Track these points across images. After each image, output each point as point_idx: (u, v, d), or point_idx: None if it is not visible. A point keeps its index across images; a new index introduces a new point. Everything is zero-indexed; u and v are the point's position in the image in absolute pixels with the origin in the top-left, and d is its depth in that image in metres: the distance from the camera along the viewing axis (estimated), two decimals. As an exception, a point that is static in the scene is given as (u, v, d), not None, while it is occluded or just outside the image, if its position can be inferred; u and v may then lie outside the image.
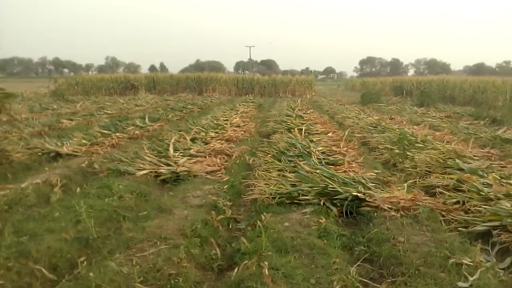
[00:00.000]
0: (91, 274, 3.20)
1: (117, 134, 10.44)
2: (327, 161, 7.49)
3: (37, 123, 12.30)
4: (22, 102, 20.39)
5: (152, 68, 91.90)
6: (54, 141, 8.87)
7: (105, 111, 17.19)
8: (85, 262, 3.66)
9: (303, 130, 10.67)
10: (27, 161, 7.53)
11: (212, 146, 8.68)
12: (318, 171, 6.46)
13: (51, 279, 3.48)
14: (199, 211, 4.94)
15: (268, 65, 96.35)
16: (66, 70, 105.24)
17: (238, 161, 7.93)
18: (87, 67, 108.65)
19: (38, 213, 4.78)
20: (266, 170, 6.78)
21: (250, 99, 27.62)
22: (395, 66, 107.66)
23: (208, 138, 9.90)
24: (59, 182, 6.07)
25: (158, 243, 3.93)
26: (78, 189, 5.86)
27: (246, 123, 13.58)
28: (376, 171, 6.82)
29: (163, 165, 7.21)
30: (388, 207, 4.92)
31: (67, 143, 8.72)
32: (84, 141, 9.14)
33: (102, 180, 6.28)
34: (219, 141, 9.55)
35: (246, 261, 3.60)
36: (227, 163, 7.67)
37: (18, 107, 14.56)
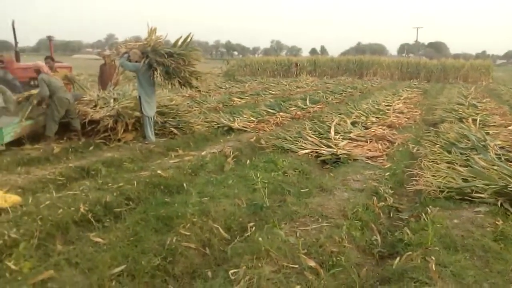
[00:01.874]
0: (260, 239, 3.50)
1: (281, 113, 10.99)
2: (507, 157, 6.59)
3: (213, 100, 13.78)
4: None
5: (313, 51, 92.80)
6: (227, 117, 9.83)
7: (270, 91, 18.18)
8: (254, 227, 4.03)
9: (478, 121, 9.56)
10: (206, 132, 8.55)
11: (373, 131, 8.46)
12: (495, 167, 5.75)
13: (226, 238, 3.93)
14: (360, 195, 4.92)
15: (437, 48, 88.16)
16: (235, 53, 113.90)
17: (401, 149, 7.59)
18: (254, 50, 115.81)
19: (215, 178, 5.41)
20: (433, 161, 6.33)
21: (415, 84, 25.79)
22: None
23: (369, 123, 9.67)
24: (231, 153, 6.74)
25: (320, 220, 4.07)
26: (248, 161, 6.41)
27: (410, 109, 12.82)
28: None
29: (324, 146, 7.35)
30: None
31: (237, 119, 9.59)
32: (252, 118, 9.91)
33: (268, 155, 6.74)
34: (380, 127, 9.24)
35: (409, 253, 3.47)
36: (388, 149, 7.42)
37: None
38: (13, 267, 2.97)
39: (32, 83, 9.47)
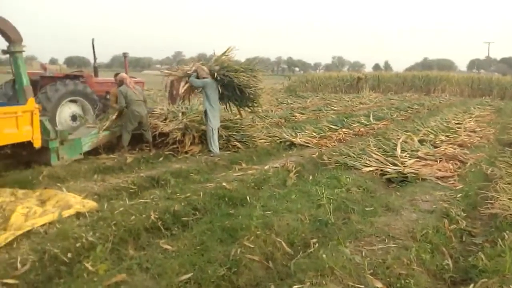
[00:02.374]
0: (324, 255, 3.46)
1: (343, 129, 10.83)
2: None
3: (275, 115, 13.91)
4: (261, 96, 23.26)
5: (376, 67, 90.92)
6: (289, 132, 9.87)
7: (332, 107, 18.00)
8: (317, 244, 3.99)
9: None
10: (268, 147, 8.65)
11: (443, 150, 8.06)
12: None
13: (289, 253, 3.93)
14: (429, 216, 4.71)
15: (511, 64, 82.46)
16: (297, 69, 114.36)
17: (473, 169, 7.17)
18: (316, 65, 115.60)
19: (278, 193, 5.44)
20: (510, 184, 5.92)
21: (487, 101, 24.26)
22: None
23: (438, 141, 9.23)
24: (294, 168, 6.75)
25: (386, 240, 3.95)
26: (310, 177, 6.39)
27: (483, 128, 12.08)
28: None
29: (389, 164, 7.13)
30: None
31: (299, 134, 9.59)
32: (314, 133, 9.87)
33: (331, 171, 6.67)
34: (450, 145, 8.79)
35: (484, 280, 3.27)
36: (460, 170, 7.04)
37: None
38: (90, 268, 3.19)
39: (107, 96, 10.14)
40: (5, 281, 2.97)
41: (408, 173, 6.63)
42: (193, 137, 7.91)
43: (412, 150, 7.99)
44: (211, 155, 7.68)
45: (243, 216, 4.37)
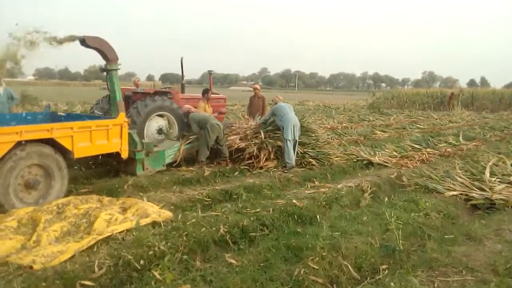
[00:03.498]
0: (392, 284, 3.30)
1: (428, 149, 10.23)
2: None
3: (354, 132, 13.60)
4: (343, 112, 22.89)
5: (471, 83, 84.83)
6: (368, 150, 9.57)
7: (417, 125, 17.12)
8: (386, 271, 3.81)
9: None
10: (344, 165, 8.46)
11: (542, 176, 7.25)
12: None
13: (355, 277, 3.79)
14: (517, 249, 4.26)
15: None
16: (383, 85, 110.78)
17: None
18: (404, 81, 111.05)
19: (349, 213, 5.30)
20: None
21: None
22: None
23: (536, 166, 8.32)
24: (369, 188, 6.53)
25: (464, 272, 3.66)
26: (386, 199, 6.13)
27: None
28: None
29: (476, 189, 6.60)
30: None
31: (379, 153, 9.26)
32: (394, 153, 9.47)
33: (409, 193, 6.34)
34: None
35: None
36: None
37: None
38: (158, 276, 3.36)
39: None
40: (83, 282, 3.26)
41: (496, 199, 6.07)
42: (269, 153, 8.01)
43: (503, 175, 7.32)
44: (285, 169, 7.71)
45: (310, 236, 4.33)
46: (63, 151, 5.47)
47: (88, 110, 10.96)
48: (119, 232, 4.15)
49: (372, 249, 4.20)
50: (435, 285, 3.38)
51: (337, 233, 4.47)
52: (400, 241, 4.10)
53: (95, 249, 3.80)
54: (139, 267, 3.59)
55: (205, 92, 9.41)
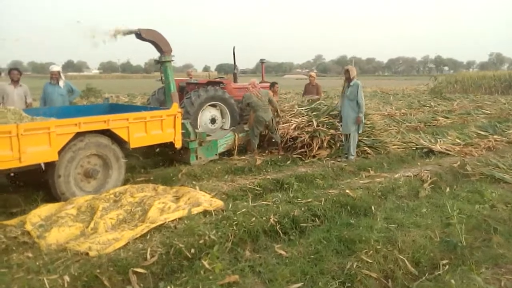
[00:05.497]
0: (453, 281, 3.07)
1: (495, 136, 9.50)
2: None
3: (414, 119, 12.95)
4: (402, 98, 21.89)
5: (546, 63, 77.83)
6: (428, 138, 9.08)
7: (483, 110, 15.99)
8: (447, 266, 3.57)
9: None
10: (402, 153, 8.07)
11: None
12: None
13: (412, 273, 3.58)
14: None
15: None
16: (446, 68, 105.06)
17: None
18: (468, 64, 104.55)
19: (407, 205, 5.03)
20: None
21: None
22: None
23: None
24: (429, 178, 6.17)
25: (536, 271, 3.32)
26: (448, 189, 5.76)
27: None
28: None
29: (551, 180, 6.02)
30: None
31: (440, 141, 8.74)
32: (458, 140, 8.90)
33: (473, 184, 5.94)
34: None
35: None
36: None
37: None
38: (207, 266, 3.36)
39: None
40: (135, 269, 3.34)
41: None
42: (321, 141, 7.81)
43: None
44: (339, 160, 7.45)
45: (363, 228, 4.15)
46: (120, 142, 5.65)
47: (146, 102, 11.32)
48: (172, 221, 4.22)
49: (432, 243, 3.96)
50: (502, 284, 3.11)
51: (393, 225, 4.26)
52: (463, 235, 3.81)
53: (148, 237, 3.89)
54: (189, 255, 3.62)
55: (272, 85, 9.47)
